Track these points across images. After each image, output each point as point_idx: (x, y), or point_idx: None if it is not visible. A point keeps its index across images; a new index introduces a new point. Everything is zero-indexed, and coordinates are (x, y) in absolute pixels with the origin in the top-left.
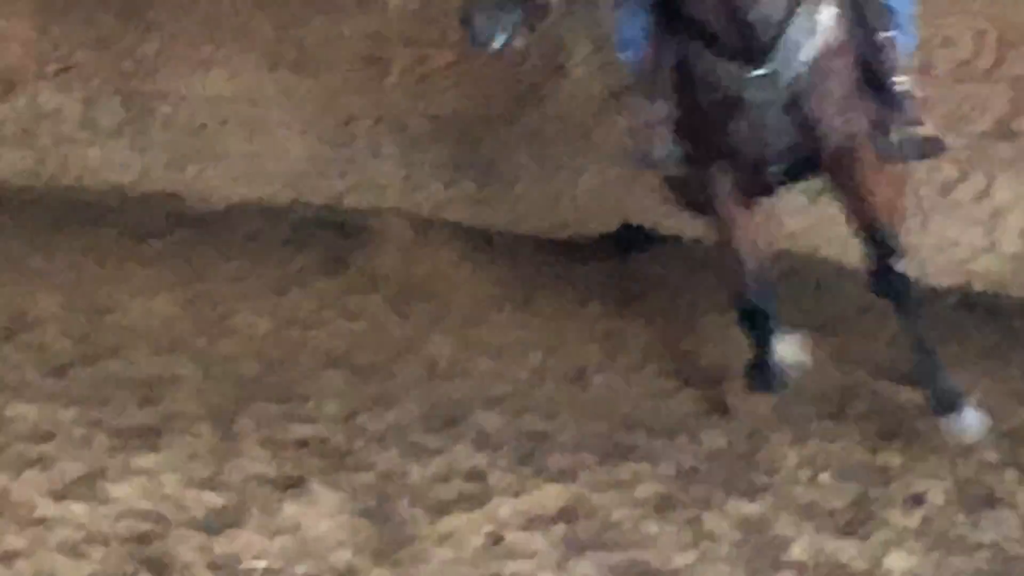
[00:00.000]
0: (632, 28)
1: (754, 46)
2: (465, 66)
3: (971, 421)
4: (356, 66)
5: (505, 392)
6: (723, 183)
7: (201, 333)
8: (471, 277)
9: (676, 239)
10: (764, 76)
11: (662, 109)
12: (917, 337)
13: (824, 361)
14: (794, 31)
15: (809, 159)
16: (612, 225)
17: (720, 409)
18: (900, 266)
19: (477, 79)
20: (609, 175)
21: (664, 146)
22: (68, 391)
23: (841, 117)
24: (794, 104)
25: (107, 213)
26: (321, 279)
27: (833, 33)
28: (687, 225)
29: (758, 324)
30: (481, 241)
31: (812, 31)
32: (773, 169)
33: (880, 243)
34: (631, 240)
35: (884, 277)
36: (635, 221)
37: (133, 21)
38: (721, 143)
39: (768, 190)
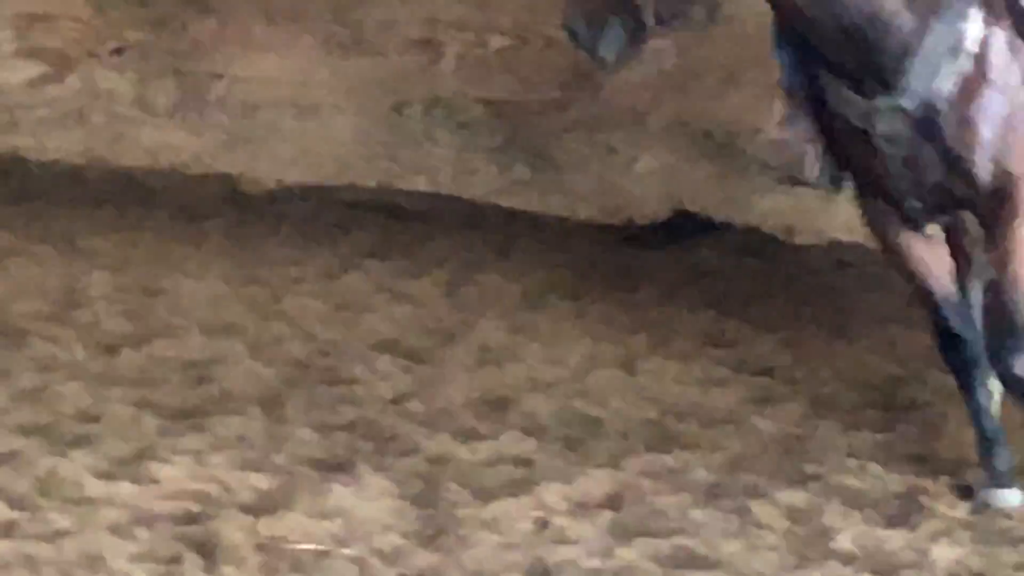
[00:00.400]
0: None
1: (879, 70)
2: (519, 51)
3: None
4: (410, 50)
5: (554, 378)
6: (875, 212)
7: (251, 315)
8: (522, 263)
9: (729, 226)
10: (891, 107)
11: (813, 127)
12: None
13: (876, 351)
14: (929, 50)
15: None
16: (665, 212)
17: (770, 398)
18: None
19: (531, 64)
20: (663, 162)
21: (816, 165)
22: (117, 371)
23: (994, 155)
24: (932, 136)
25: (159, 194)
26: (372, 263)
27: (985, 54)
28: (740, 212)
29: (956, 362)
30: (533, 227)
31: (955, 50)
32: (913, 204)
33: (999, 316)
34: (684, 227)
35: (1000, 369)
36: (689, 208)
37: (189, 2)
38: (859, 174)
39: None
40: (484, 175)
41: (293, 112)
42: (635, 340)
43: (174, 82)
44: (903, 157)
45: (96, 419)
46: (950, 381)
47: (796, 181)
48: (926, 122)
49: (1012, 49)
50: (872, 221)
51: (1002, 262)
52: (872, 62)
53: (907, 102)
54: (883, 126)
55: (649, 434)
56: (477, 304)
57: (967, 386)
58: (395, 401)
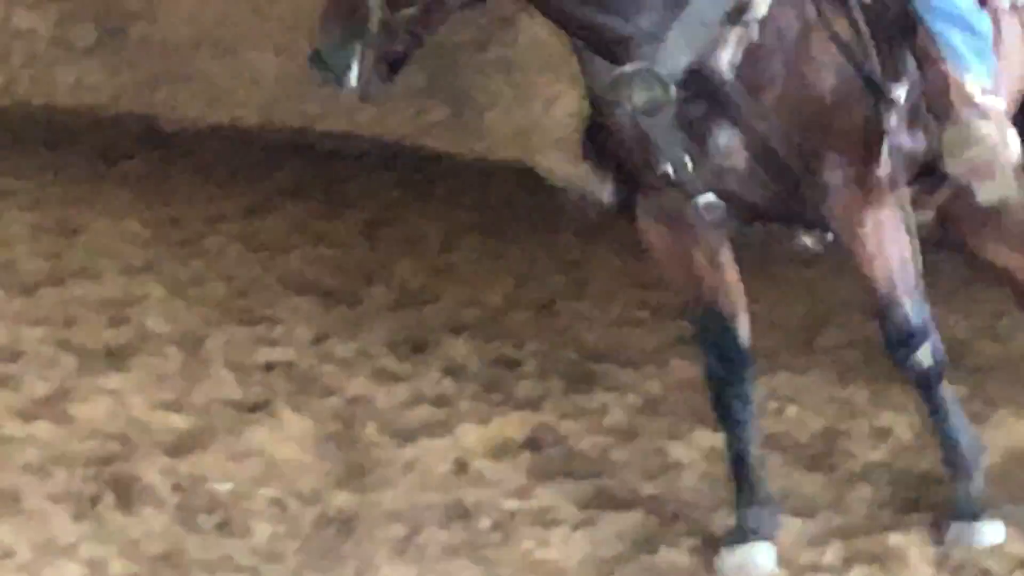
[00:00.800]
0: None
1: (628, 32)
2: None
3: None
4: None
5: (473, 319)
6: (645, 210)
7: (170, 255)
8: (441, 204)
9: None
10: (640, 75)
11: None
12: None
13: (795, 294)
14: (695, 13)
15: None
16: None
17: (688, 340)
18: (918, 354)
19: None
20: (583, 104)
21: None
22: (36, 311)
23: (794, 133)
24: (719, 109)
25: (79, 133)
26: (291, 203)
27: (770, 22)
28: None
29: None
30: (452, 168)
31: (735, 16)
32: (709, 200)
33: (881, 316)
34: None
35: (896, 361)
36: None
37: None
38: (615, 160)
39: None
40: (403, 116)
41: (212, 52)
42: (554, 281)
43: (93, 22)
44: (664, 138)
45: (15, 358)
46: (870, 324)
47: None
48: (706, 93)
49: (807, 18)
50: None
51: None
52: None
53: (664, 67)
54: (639, 96)
55: (568, 375)
56: (396, 245)
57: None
58: (314, 342)
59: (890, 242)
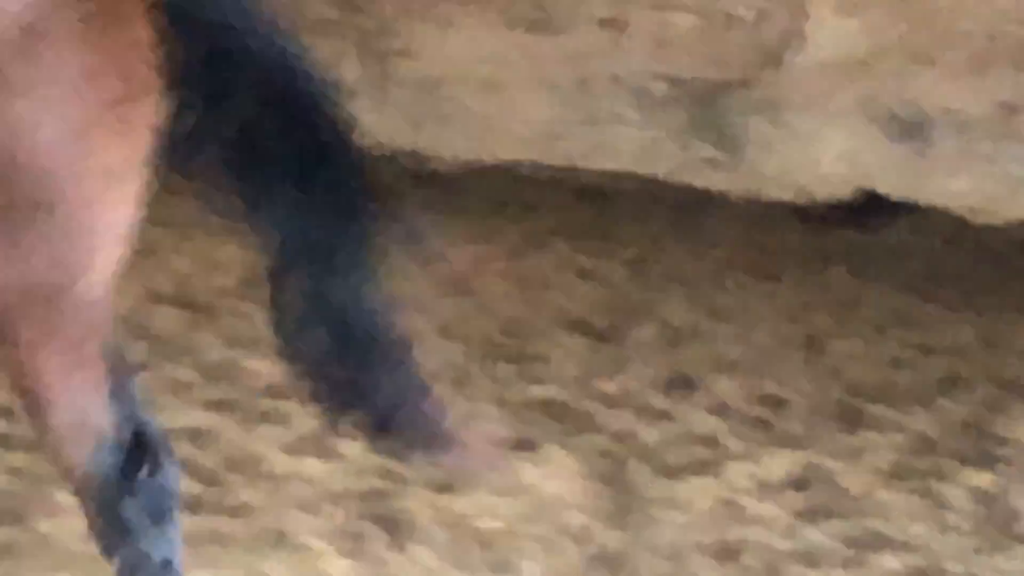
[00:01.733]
0: None
1: None
2: (705, 30)
3: None
4: (595, 27)
5: (740, 357)
6: None
7: (437, 292)
8: (707, 242)
9: (914, 207)
10: None
11: None
12: None
13: None
14: None
15: None
16: (850, 192)
17: (957, 379)
18: None
19: (716, 43)
20: (848, 142)
21: None
22: None
23: None
24: None
25: None
26: (557, 241)
27: None
28: (926, 193)
29: None
30: (718, 205)
31: None
32: None
33: None
34: (869, 208)
35: None
36: (874, 189)
37: None
38: None
39: None
40: (668, 154)
41: (478, 90)
42: (821, 319)
43: (359, 60)
44: None
45: (282, 394)
46: None
47: None
48: None
49: None
50: None
51: None
52: None
53: None
54: None
55: (835, 414)
56: (662, 282)
57: None
58: (580, 379)
59: None
